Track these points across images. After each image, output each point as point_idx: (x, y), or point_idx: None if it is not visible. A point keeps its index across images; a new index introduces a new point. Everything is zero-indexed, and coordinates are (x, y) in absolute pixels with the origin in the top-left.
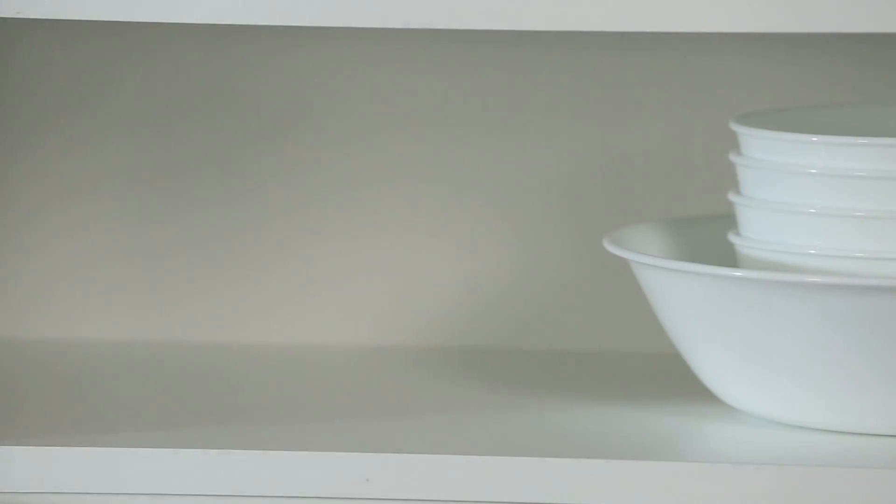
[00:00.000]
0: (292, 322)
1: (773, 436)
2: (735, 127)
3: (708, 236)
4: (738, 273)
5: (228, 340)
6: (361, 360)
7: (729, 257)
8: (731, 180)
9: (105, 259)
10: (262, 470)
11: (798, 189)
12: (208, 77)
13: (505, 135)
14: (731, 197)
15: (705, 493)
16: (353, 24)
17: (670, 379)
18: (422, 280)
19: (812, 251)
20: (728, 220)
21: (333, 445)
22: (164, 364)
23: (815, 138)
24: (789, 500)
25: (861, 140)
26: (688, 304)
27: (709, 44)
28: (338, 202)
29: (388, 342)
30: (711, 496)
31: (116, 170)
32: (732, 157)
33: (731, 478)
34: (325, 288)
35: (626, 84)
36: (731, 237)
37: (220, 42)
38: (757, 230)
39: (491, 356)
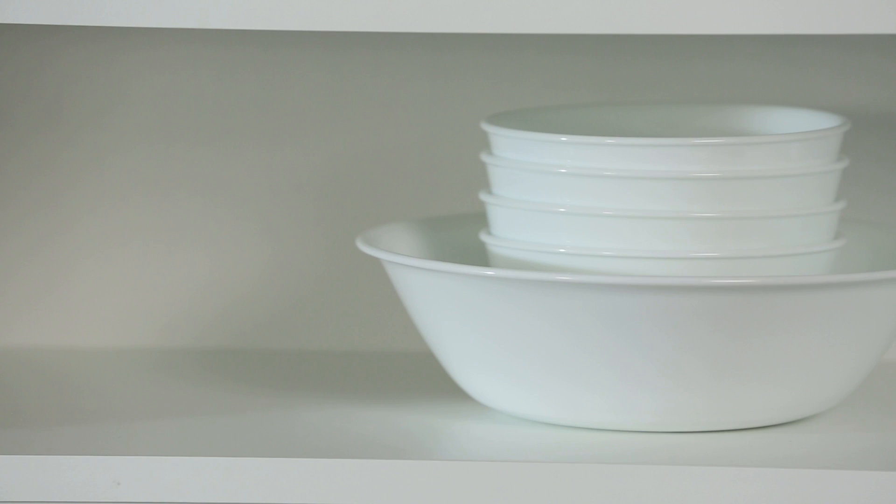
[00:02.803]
0: (39, 325)
1: (522, 433)
2: (486, 127)
3: (461, 235)
4: (489, 272)
5: None
6: (109, 362)
7: (482, 256)
8: (483, 180)
9: None
10: (7, 473)
11: (548, 188)
12: None
13: (256, 136)
14: (483, 196)
15: (453, 491)
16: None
17: (422, 378)
18: (171, 283)
19: (562, 250)
20: (481, 219)
21: (82, 448)
22: None
23: (563, 138)
24: (539, 497)
25: (609, 140)
26: (439, 303)
27: (459, 42)
28: (87, 207)
29: (136, 344)
30: (459, 494)
31: None
32: (483, 157)
33: (479, 475)
34: (71, 290)
35: (378, 83)
36: (483, 236)
37: None
38: (508, 229)
39: (243, 357)
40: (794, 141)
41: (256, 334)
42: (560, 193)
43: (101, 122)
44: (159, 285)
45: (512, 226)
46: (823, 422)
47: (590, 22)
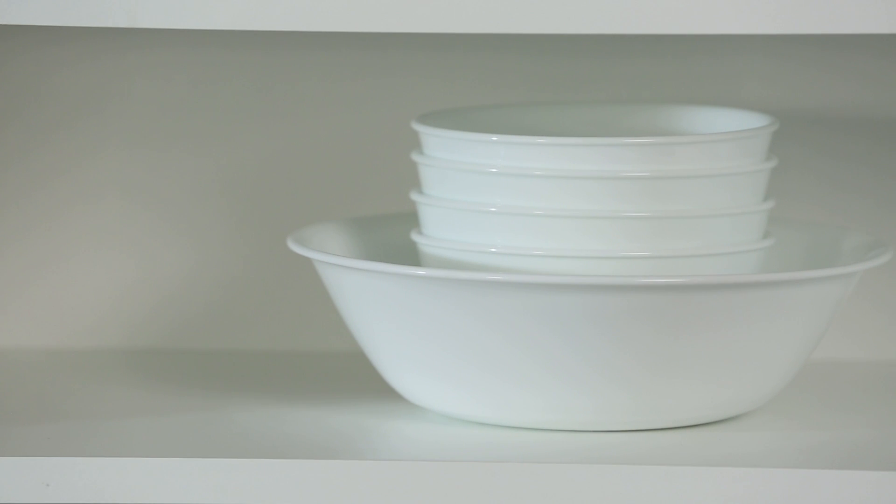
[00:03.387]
0: None
1: (454, 433)
2: (416, 126)
3: (392, 235)
4: (420, 272)
5: None
6: (36, 363)
7: (414, 256)
8: (414, 179)
9: None
10: None
11: (479, 188)
12: None
13: (187, 136)
14: (414, 196)
15: (384, 491)
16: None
17: (354, 378)
18: (100, 282)
19: (493, 249)
20: (413, 218)
21: (11, 449)
22: None
23: (494, 138)
24: (472, 497)
25: (539, 139)
26: (371, 302)
27: (390, 42)
28: (12, 209)
29: (64, 344)
30: (391, 494)
31: None
32: (414, 157)
33: (411, 475)
34: None
35: (307, 83)
36: (414, 236)
37: None
38: (439, 229)
39: (173, 357)
40: (724, 140)
41: (186, 334)
42: (491, 193)
43: (23, 126)
44: (88, 285)
45: (443, 225)
46: (754, 420)
47: (521, 22)
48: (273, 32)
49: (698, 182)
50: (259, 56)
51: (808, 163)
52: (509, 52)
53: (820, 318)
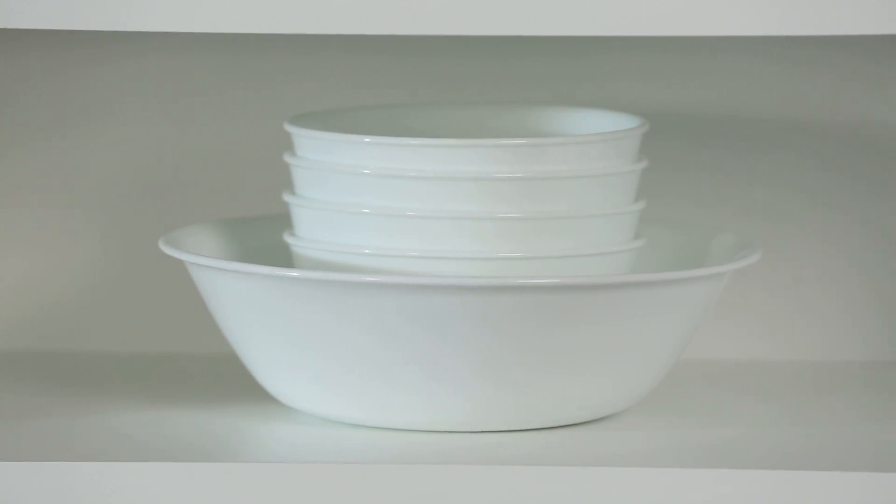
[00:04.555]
0: None
1: (330, 435)
2: (288, 128)
3: (266, 237)
4: (292, 273)
5: None
6: None
7: (288, 257)
8: (288, 180)
9: None
10: None
11: (352, 189)
12: None
13: (57, 136)
14: (286, 197)
15: (259, 493)
16: None
17: (227, 380)
18: None
19: (367, 251)
20: (286, 220)
21: None
22: None
23: (367, 139)
24: (347, 499)
25: (411, 141)
26: (243, 305)
27: (263, 43)
28: None
29: None
30: (265, 496)
31: None
32: (287, 158)
33: (285, 477)
34: None
35: (180, 84)
36: (287, 237)
37: None
38: (312, 230)
39: (43, 359)
40: (595, 141)
41: (58, 336)
42: (364, 194)
43: None
44: None
45: (316, 227)
46: (628, 420)
47: (393, 23)
48: (146, 33)
49: (571, 183)
50: (131, 57)
51: (680, 164)
52: (381, 54)
53: (690, 318)
